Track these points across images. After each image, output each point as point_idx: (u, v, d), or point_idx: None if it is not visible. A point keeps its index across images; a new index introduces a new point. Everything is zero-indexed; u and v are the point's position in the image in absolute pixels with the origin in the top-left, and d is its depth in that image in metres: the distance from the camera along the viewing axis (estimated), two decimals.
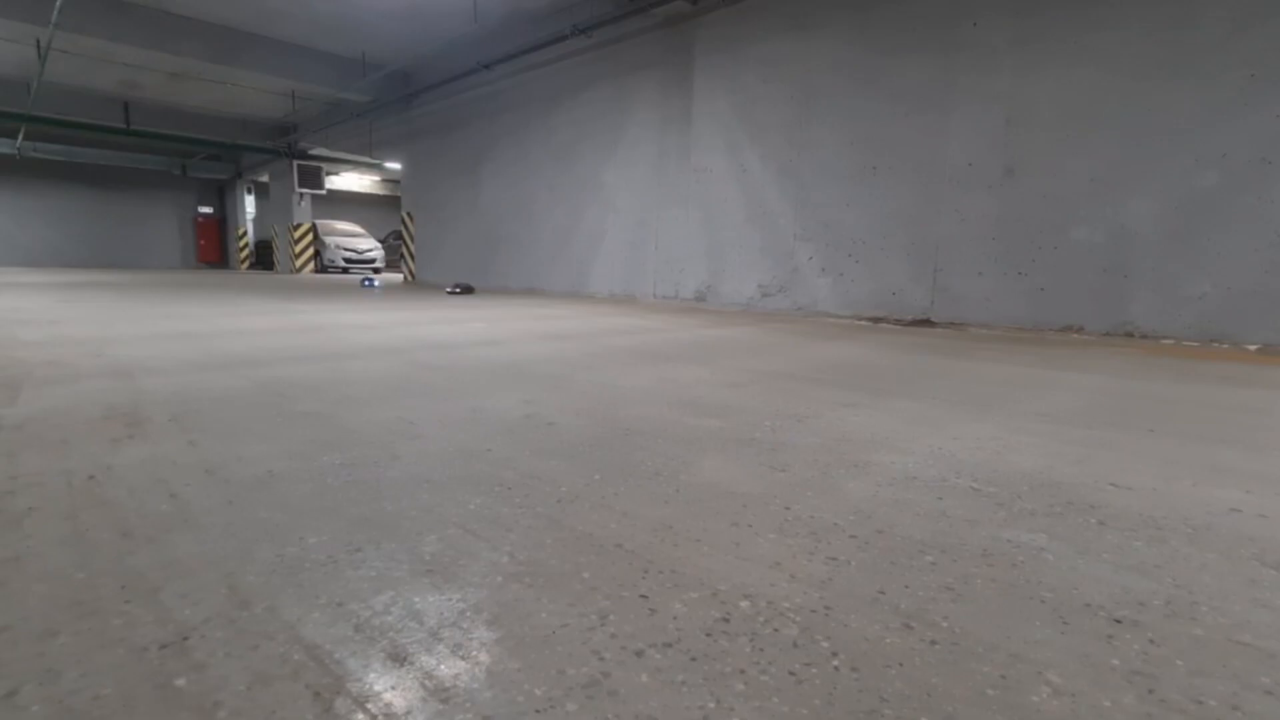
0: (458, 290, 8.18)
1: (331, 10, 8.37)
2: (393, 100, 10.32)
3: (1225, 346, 3.73)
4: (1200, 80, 3.80)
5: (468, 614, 0.78)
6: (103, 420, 1.66)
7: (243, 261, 19.19)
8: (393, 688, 0.64)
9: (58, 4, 6.91)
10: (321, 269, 16.04)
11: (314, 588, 0.84)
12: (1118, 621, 0.80)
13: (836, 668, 0.69)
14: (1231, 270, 3.76)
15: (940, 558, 0.97)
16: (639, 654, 0.71)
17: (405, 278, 11.67)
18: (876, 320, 5.23)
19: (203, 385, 2.12)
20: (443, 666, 0.68)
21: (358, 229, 17.56)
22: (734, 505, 1.16)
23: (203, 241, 20.34)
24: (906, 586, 0.88)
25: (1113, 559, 0.97)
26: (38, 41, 8.19)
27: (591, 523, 1.07)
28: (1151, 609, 0.83)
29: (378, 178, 20.55)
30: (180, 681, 0.65)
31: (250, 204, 19.18)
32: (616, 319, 5.06)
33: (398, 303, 6.44)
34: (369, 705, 0.62)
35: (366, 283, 9.76)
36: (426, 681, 0.66)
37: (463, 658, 0.70)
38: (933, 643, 0.74)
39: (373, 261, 16.37)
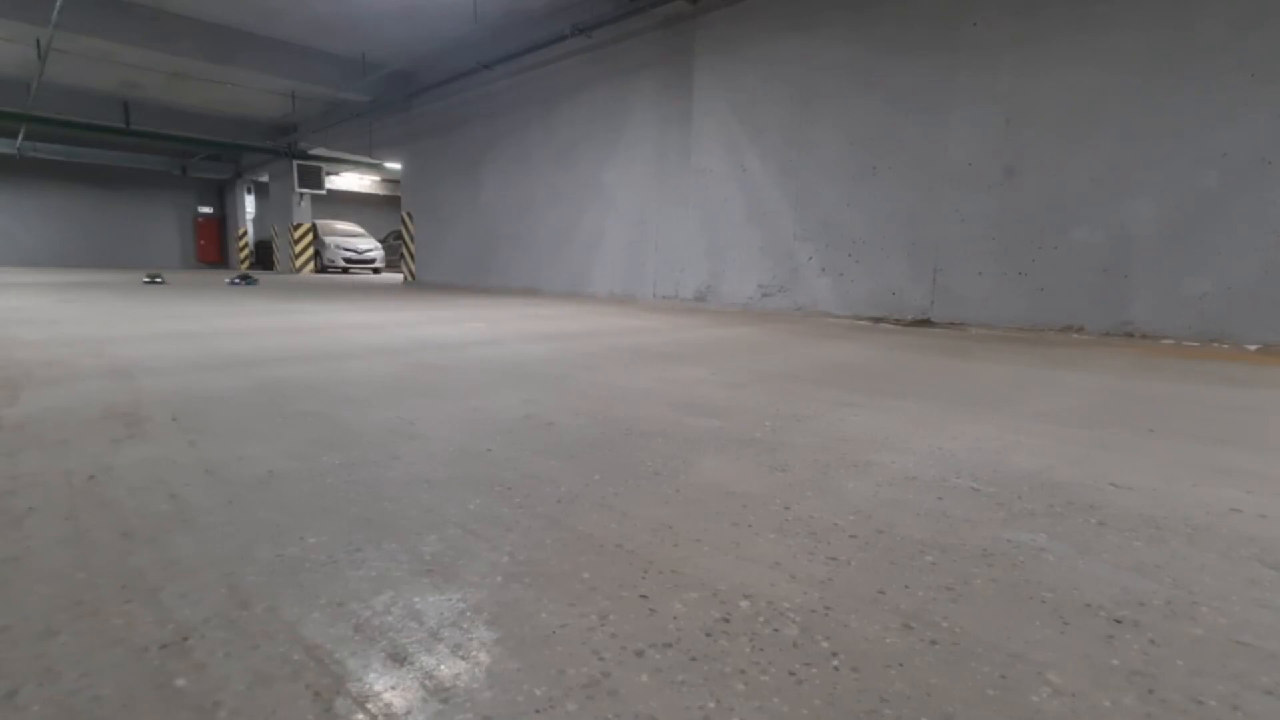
0: (239, 281, 8.85)
1: (331, 10, 8.37)
2: (393, 100, 10.32)
3: (1225, 346, 3.72)
4: (1200, 80, 3.80)
5: (468, 614, 0.78)
6: (103, 420, 1.65)
7: (243, 261, 19.18)
8: (393, 688, 0.64)
9: (58, 4, 6.91)
10: (321, 269, 16.04)
11: (314, 588, 0.84)
12: (1118, 621, 0.80)
13: (836, 668, 0.69)
14: (1231, 270, 3.75)
15: (940, 558, 0.96)
16: (639, 654, 0.71)
17: (405, 278, 11.67)
18: (876, 320, 5.23)
19: (203, 385, 2.12)
20: (443, 666, 0.68)
21: (358, 229, 17.56)
22: (734, 505, 1.16)
23: (203, 241, 20.34)
24: (906, 586, 0.88)
25: (1113, 559, 0.97)
26: (38, 41, 8.19)
27: (591, 523, 1.07)
28: (1151, 609, 0.83)
29: (378, 178, 20.54)
30: (180, 681, 0.65)
31: (250, 204, 19.17)
32: (616, 319, 5.06)
33: (398, 303, 6.44)
34: (369, 705, 0.62)
35: (237, 281, 8.99)
36: (426, 681, 0.66)
37: (463, 658, 0.70)
38: (933, 643, 0.74)
39: (373, 261, 16.37)
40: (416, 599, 0.81)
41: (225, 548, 0.95)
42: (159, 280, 8.69)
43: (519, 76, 8.60)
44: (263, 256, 19.07)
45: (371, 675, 0.66)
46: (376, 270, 16.54)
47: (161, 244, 20.00)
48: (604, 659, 0.70)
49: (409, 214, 11.30)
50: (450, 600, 0.81)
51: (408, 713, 0.61)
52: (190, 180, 19.50)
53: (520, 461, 1.39)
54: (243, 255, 19.21)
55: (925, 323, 4.98)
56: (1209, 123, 3.79)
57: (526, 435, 1.60)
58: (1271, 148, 3.60)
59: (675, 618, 0.79)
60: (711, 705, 0.63)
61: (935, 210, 4.93)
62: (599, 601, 0.82)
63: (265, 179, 17.03)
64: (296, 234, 15.50)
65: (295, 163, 14.55)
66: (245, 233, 19.20)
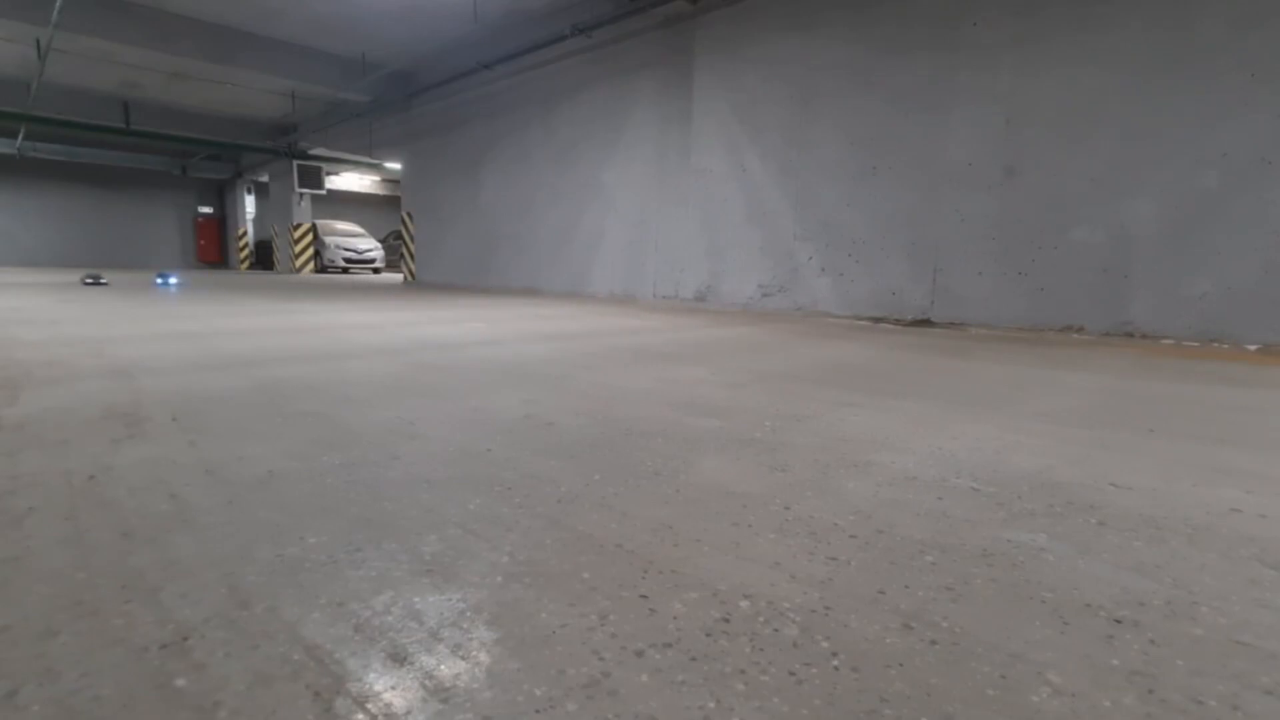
0: (90, 281, 8.71)
1: (331, 10, 8.37)
2: (393, 100, 10.32)
3: (1225, 346, 3.72)
4: (1200, 80, 3.80)
5: (468, 614, 0.78)
6: (103, 420, 1.65)
7: (243, 261, 19.18)
8: (393, 688, 0.64)
9: (58, 4, 6.91)
10: (321, 269, 16.04)
11: (314, 588, 0.84)
12: (1118, 621, 0.80)
13: (836, 668, 0.69)
14: (1231, 270, 3.75)
15: (940, 558, 0.96)
16: (639, 654, 0.71)
17: (405, 278, 11.67)
18: (876, 320, 5.23)
19: (203, 385, 2.12)
20: (443, 666, 0.68)
21: (358, 229, 17.56)
22: (734, 505, 1.16)
23: (203, 241, 20.34)
24: (906, 586, 0.88)
25: (1113, 559, 0.97)
26: (38, 41, 8.19)
27: (591, 523, 1.07)
28: (1151, 609, 0.83)
29: (378, 178, 20.54)
30: (180, 681, 0.65)
31: (250, 204, 19.17)
32: (616, 319, 5.06)
33: (398, 303, 6.44)
34: (369, 705, 0.62)
35: (171, 286, 8.76)
36: (426, 681, 0.66)
37: (463, 658, 0.70)
38: (933, 643, 0.74)
39: (373, 261, 16.38)
40: (416, 599, 0.81)
41: (225, 548, 0.95)
42: (102, 281, 8.67)
43: (519, 76, 8.60)
44: (263, 256, 19.06)
45: (371, 675, 0.66)
46: (376, 270, 16.54)
47: (161, 244, 20.00)
48: (604, 659, 0.70)
49: (409, 214, 11.29)
50: (450, 600, 0.81)
51: (408, 713, 0.61)
52: (190, 180, 19.50)
53: (520, 461, 1.39)
54: (243, 255, 19.21)
55: (925, 323, 4.98)
56: (1209, 123, 3.79)
57: (526, 435, 1.60)
58: (1271, 148, 3.60)
59: (675, 618, 0.79)
60: (711, 705, 0.63)
61: (935, 210, 4.93)
62: (599, 601, 0.82)
63: (265, 179, 17.03)
64: (296, 234, 15.50)
65: (295, 163, 14.55)
66: (245, 233, 19.20)
